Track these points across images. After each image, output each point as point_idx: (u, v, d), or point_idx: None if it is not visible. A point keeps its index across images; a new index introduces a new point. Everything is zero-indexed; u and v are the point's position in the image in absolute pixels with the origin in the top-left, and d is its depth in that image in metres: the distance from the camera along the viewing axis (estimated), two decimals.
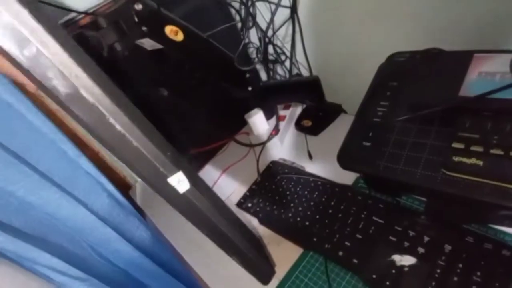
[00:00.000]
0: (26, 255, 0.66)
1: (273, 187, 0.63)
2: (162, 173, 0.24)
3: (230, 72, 0.58)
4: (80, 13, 0.47)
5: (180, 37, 0.47)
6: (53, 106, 0.70)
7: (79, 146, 0.73)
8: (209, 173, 0.79)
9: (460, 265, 0.38)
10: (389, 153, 0.43)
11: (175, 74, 0.62)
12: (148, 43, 0.47)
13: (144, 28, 0.44)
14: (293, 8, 0.64)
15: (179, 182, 0.25)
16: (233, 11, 0.69)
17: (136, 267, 0.89)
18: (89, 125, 0.23)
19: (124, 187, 0.91)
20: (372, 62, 0.56)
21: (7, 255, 0.65)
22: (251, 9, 0.68)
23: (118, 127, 0.23)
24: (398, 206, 0.49)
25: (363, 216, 0.49)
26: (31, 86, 0.65)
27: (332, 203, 0.53)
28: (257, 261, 0.47)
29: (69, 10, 0.46)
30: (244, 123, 0.83)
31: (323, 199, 0.55)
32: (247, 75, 0.60)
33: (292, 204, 0.57)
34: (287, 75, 0.82)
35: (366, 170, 0.46)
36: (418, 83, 0.47)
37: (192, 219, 0.31)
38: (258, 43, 0.80)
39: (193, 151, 0.76)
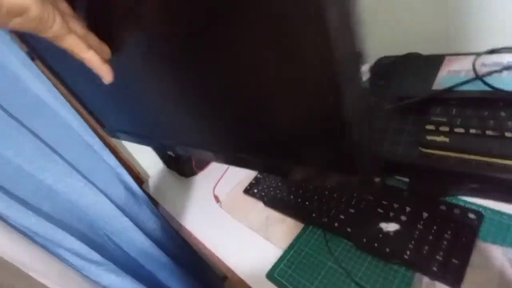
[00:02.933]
0: (52, 238, 0.73)
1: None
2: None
3: None
4: None
5: None
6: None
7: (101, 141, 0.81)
8: (218, 166, 0.87)
9: (435, 227, 0.46)
10: (376, 137, 0.52)
11: None
12: None
13: None
14: None
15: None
16: None
17: (146, 256, 0.95)
18: None
19: (138, 181, 0.98)
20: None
21: (35, 238, 0.72)
22: None
23: None
24: (386, 186, 0.57)
25: (355, 194, 0.57)
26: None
27: (328, 186, 0.61)
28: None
29: None
30: None
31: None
32: None
33: (293, 188, 0.65)
34: None
35: None
36: (400, 80, 0.56)
37: None
38: None
39: None
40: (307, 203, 0.61)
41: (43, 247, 0.74)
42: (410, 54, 0.59)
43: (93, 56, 0.31)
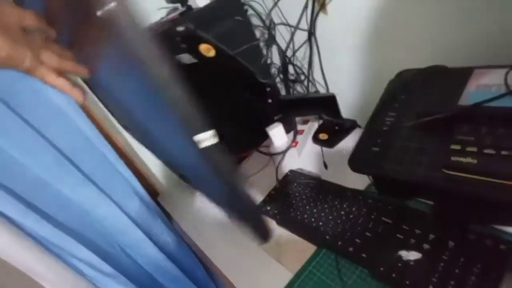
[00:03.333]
0: (65, 247, 0.73)
1: (290, 192, 0.67)
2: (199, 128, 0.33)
3: (253, 85, 0.66)
4: None
5: (212, 53, 0.56)
6: (99, 115, 0.80)
7: (117, 153, 0.81)
8: None
9: (462, 259, 0.41)
10: (395, 156, 0.48)
11: (206, 86, 0.71)
12: (185, 58, 0.56)
13: (183, 45, 0.53)
14: (310, 31, 0.72)
15: (211, 136, 0.33)
16: (257, 33, 0.78)
17: (159, 270, 0.94)
18: None
19: (153, 193, 0.98)
20: (384, 79, 0.61)
21: (49, 247, 0.73)
22: (272, 31, 0.77)
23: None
24: (406, 208, 0.52)
25: (372, 217, 0.53)
26: None
27: (345, 206, 0.57)
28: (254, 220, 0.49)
29: None
30: (266, 137, 0.90)
31: (336, 202, 0.59)
32: (268, 89, 0.67)
33: (307, 207, 0.62)
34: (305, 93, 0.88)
35: (373, 171, 0.50)
36: (423, 95, 0.52)
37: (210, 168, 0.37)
38: (279, 64, 0.88)
39: None
40: (321, 223, 0.57)
41: (57, 256, 0.75)
42: (434, 66, 0.55)
43: (62, 83, 0.35)
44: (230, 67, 0.62)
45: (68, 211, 0.76)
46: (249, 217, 0.47)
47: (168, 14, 0.68)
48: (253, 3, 0.79)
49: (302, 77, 0.88)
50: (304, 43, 0.76)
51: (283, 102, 0.74)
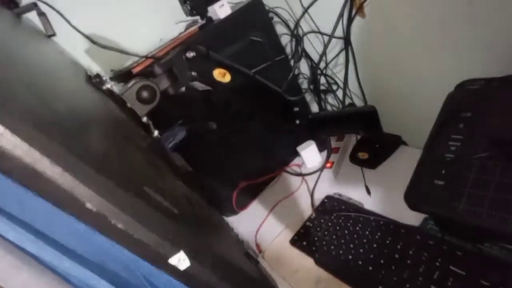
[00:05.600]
0: (87, 281, 0.69)
1: (329, 224, 0.59)
2: (163, 255, 0.27)
3: (278, 106, 0.58)
4: (141, 57, 0.51)
5: (227, 78, 0.49)
6: None
7: None
8: (260, 206, 0.77)
9: None
10: (468, 194, 0.38)
11: (224, 110, 0.64)
12: (198, 85, 0.49)
13: (193, 73, 0.47)
14: (347, 38, 0.63)
15: (180, 261, 0.26)
16: (284, 43, 0.70)
17: None
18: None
19: None
20: (435, 91, 0.52)
21: (71, 280, 0.69)
22: (300, 41, 0.69)
23: (120, 226, 0.25)
24: (482, 255, 0.42)
25: (437, 264, 0.43)
26: None
27: (398, 247, 0.48)
28: None
29: (130, 54, 0.51)
30: (295, 154, 0.82)
31: (387, 242, 0.50)
32: (295, 109, 0.59)
33: (351, 245, 0.53)
34: (339, 105, 0.79)
35: (441, 212, 0.40)
36: (498, 113, 0.42)
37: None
38: (308, 74, 0.80)
39: (243, 184, 0.76)
40: (371, 268, 0.48)
41: None
42: (511, 76, 0.45)
43: None
44: (251, 89, 0.54)
45: (87, 242, 0.72)
46: None
47: (187, 28, 0.62)
48: (278, 10, 0.72)
49: (334, 88, 0.80)
50: (341, 51, 0.67)
51: (314, 121, 0.65)
